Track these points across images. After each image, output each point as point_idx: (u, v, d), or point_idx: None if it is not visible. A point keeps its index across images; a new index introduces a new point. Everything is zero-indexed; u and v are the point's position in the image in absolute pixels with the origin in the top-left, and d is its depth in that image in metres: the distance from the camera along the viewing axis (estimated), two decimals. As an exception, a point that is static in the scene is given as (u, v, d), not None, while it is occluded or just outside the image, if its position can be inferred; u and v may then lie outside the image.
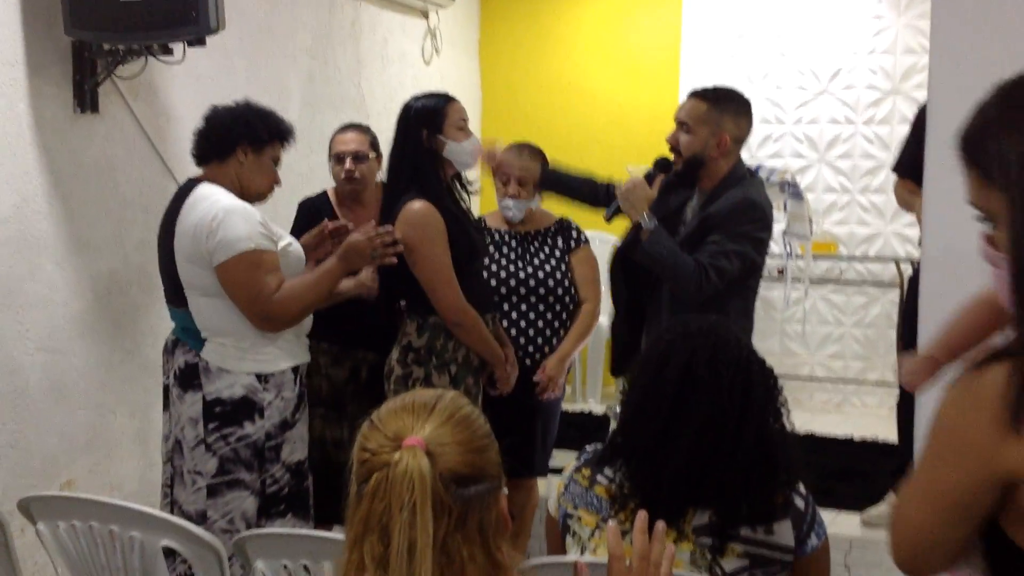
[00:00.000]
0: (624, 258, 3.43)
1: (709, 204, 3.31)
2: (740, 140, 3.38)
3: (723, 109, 3.33)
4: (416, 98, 3.34)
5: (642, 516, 1.64)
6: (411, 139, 3.25)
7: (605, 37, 6.21)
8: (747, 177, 3.38)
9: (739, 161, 3.39)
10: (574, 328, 3.83)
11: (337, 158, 3.77)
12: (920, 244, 3.97)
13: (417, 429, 1.39)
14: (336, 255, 3.11)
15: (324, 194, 3.85)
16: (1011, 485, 1.25)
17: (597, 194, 3.71)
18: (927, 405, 1.95)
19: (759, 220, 3.28)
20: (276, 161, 3.15)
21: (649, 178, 3.37)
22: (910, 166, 3.86)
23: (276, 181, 3.17)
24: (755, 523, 2.03)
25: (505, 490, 1.47)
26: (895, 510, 1.44)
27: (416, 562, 1.32)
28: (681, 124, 3.36)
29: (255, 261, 2.94)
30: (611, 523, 1.61)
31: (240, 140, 3.06)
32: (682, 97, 5.88)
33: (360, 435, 1.43)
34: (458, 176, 3.37)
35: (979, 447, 1.26)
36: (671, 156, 3.42)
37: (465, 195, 3.40)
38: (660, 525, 1.63)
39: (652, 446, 2.06)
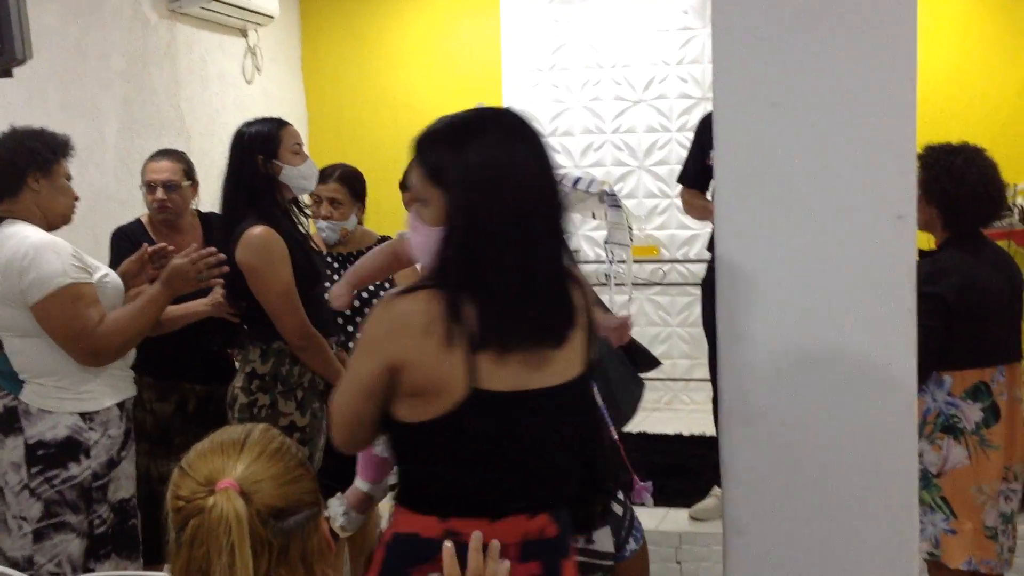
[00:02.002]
0: None
1: None
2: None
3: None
4: (249, 124, 3.33)
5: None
6: (247, 165, 3.25)
7: (429, 51, 6.27)
8: None
9: None
10: None
11: (149, 187, 3.69)
12: (709, 247, 4.22)
13: (229, 470, 1.40)
14: (160, 281, 3.06)
15: (138, 221, 3.76)
16: (398, 370, 1.77)
17: None
18: (730, 395, 2.08)
19: None
20: (68, 178, 3.06)
21: None
22: (695, 176, 4.11)
23: (75, 197, 3.09)
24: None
25: (326, 513, 1.50)
26: (332, 400, 1.92)
27: None
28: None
29: (73, 295, 2.87)
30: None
31: (27, 169, 2.95)
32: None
33: (172, 483, 1.44)
34: (295, 200, 3.39)
35: (383, 348, 1.78)
36: None
37: (303, 219, 3.42)
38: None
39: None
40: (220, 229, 3.36)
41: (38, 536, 2.89)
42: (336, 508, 2.44)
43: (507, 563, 1.68)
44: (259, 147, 3.25)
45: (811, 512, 2.04)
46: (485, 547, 1.68)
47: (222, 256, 3.11)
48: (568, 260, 1.89)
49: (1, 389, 2.94)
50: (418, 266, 2.24)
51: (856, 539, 2.02)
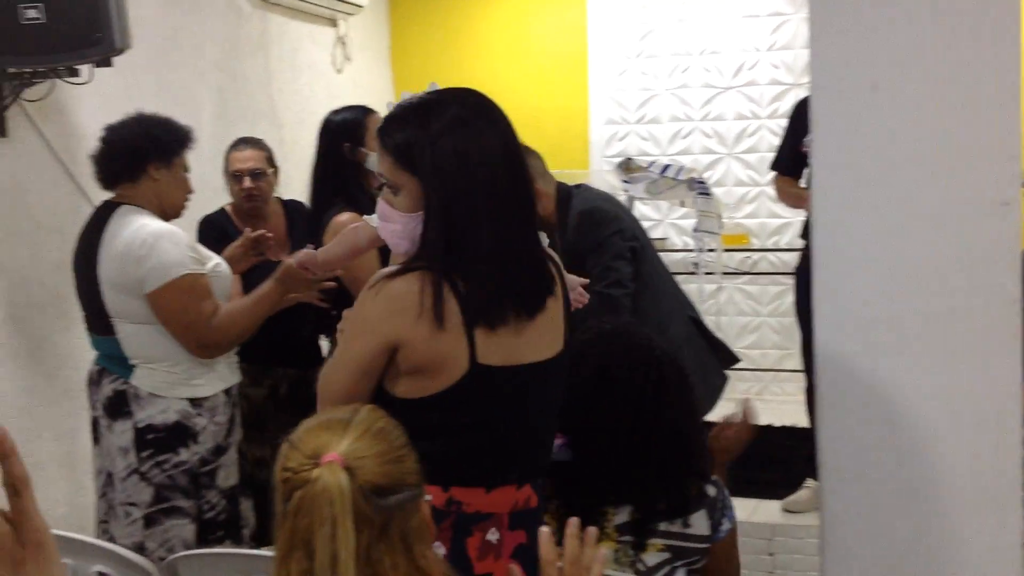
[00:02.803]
0: None
1: (564, 232, 3.41)
2: (542, 172, 3.45)
3: None
4: (335, 112, 3.36)
5: (573, 522, 1.68)
6: (333, 153, 3.28)
7: (515, 40, 6.27)
8: (571, 192, 3.46)
9: (556, 184, 3.48)
10: None
11: (235, 176, 3.70)
12: (803, 235, 4.14)
13: (334, 445, 1.43)
14: (274, 278, 3.04)
15: (223, 211, 3.78)
16: (395, 349, 1.83)
17: None
18: (828, 389, 2.04)
19: (601, 220, 3.37)
20: (186, 170, 3.08)
21: None
22: (788, 162, 4.03)
23: (190, 190, 3.12)
24: (673, 517, 2.10)
25: (428, 497, 1.52)
26: (322, 377, 1.96)
27: (339, 575, 1.36)
28: None
29: (188, 286, 2.88)
30: (543, 528, 1.66)
31: (149, 157, 2.96)
32: (592, 97, 6.07)
33: (280, 455, 1.47)
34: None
35: (379, 328, 1.84)
36: None
37: None
38: (592, 531, 1.68)
39: (570, 444, 2.11)
40: (308, 216, 3.39)
41: (148, 522, 2.90)
42: None
43: (604, 550, 1.67)
44: (345, 135, 3.27)
45: (910, 504, 1.99)
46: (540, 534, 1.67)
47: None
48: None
49: (111, 373, 2.96)
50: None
51: (957, 532, 1.97)
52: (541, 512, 1.96)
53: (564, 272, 2.06)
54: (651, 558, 2.10)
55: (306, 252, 2.81)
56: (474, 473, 1.89)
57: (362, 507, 1.40)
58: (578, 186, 3.54)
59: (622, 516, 2.11)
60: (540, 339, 1.92)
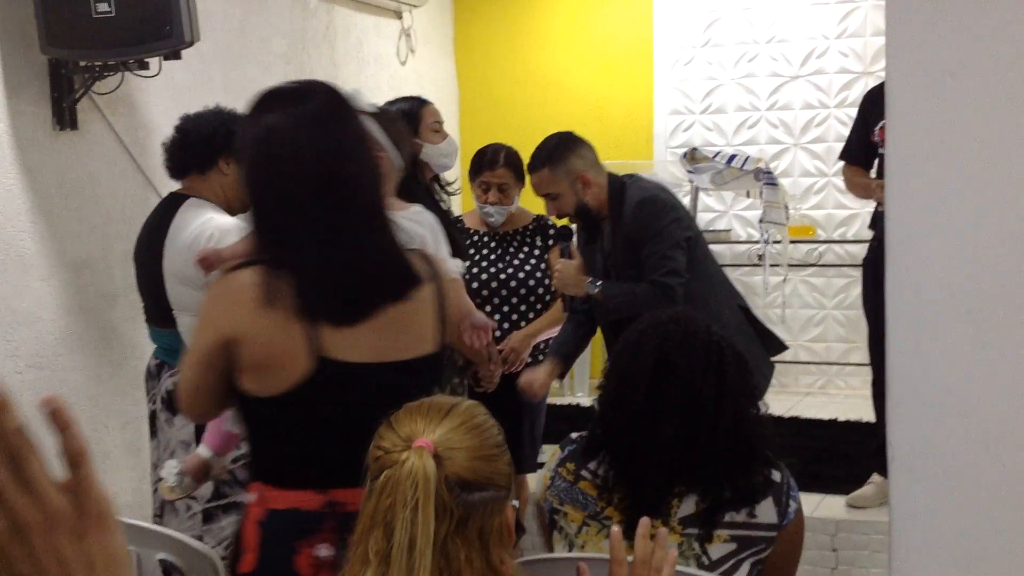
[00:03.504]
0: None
1: (617, 221, 3.38)
2: (594, 163, 3.44)
3: (559, 160, 3.39)
4: (390, 103, 3.36)
5: (644, 522, 1.66)
6: None
7: (579, 31, 6.24)
8: (624, 182, 3.44)
9: (608, 175, 3.45)
10: (547, 313, 3.83)
11: None
12: (871, 226, 4.07)
13: (428, 432, 1.45)
14: None
15: None
16: (235, 343, 1.82)
17: (590, 327, 3.69)
18: (899, 384, 2.00)
19: (663, 210, 3.34)
20: None
21: (565, 250, 3.50)
22: (858, 152, 3.96)
23: None
24: (739, 505, 2.06)
25: (515, 502, 1.51)
26: (180, 374, 2.02)
27: (415, 559, 1.37)
28: (546, 196, 3.44)
29: None
30: (614, 527, 1.64)
31: (221, 151, 2.95)
32: (657, 87, 6.03)
33: (377, 434, 1.50)
34: (436, 178, 3.40)
35: (217, 322, 1.85)
36: (567, 221, 3.54)
37: (445, 196, 3.43)
38: (663, 531, 1.67)
39: (631, 433, 2.08)
40: None
41: (207, 517, 2.92)
42: (171, 468, 2.42)
43: (674, 551, 1.65)
44: None
45: (985, 503, 1.95)
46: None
47: None
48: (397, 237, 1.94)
49: (171, 367, 2.97)
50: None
51: (1034, 533, 1.92)
52: None
53: (445, 278, 2.04)
54: (716, 550, 2.07)
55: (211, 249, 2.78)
56: (350, 473, 1.75)
57: (445, 497, 1.41)
58: (631, 176, 3.53)
59: (687, 508, 2.08)
60: (403, 337, 1.90)
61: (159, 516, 3.02)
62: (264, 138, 1.85)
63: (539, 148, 3.47)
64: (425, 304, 1.94)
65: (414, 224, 2.64)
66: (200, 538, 2.88)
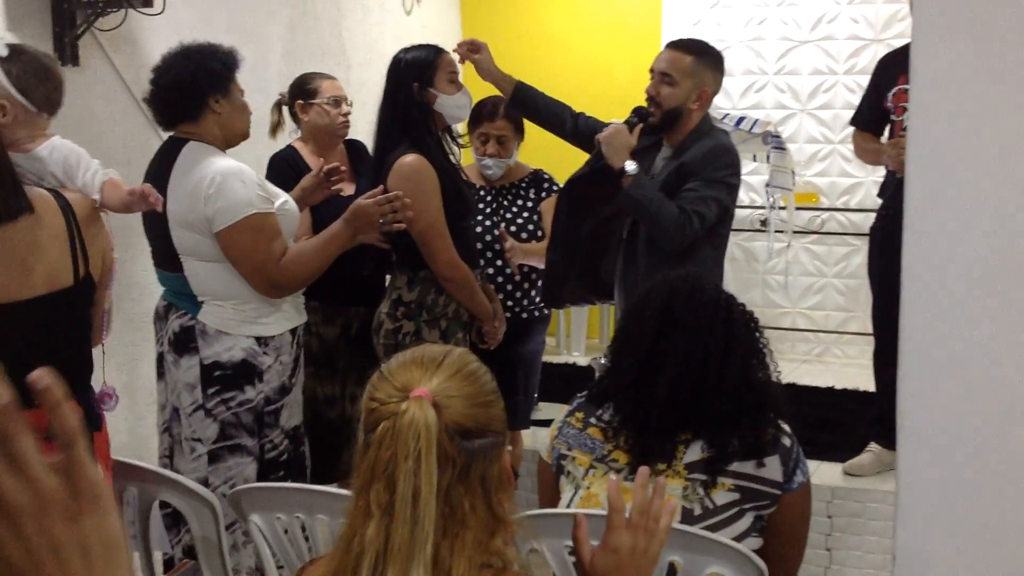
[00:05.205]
0: (571, 190, 3.44)
1: (680, 154, 3.32)
2: (716, 94, 3.41)
3: (706, 63, 3.34)
4: (406, 50, 3.30)
5: (643, 471, 1.66)
6: (402, 92, 3.22)
7: (587, -13, 6.16)
8: (715, 128, 3.41)
9: (707, 114, 3.41)
10: (543, 243, 3.73)
11: (335, 102, 3.59)
12: (880, 193, 4.04)
13: (425, 381, 1.42)
14: (343, 219, 3.00)
15: (291, 147, 3.68)
16: None
17: (563, 121, 3.63)
18: (911, 352, 1.98)
19: (732, 166, 3.32)
20: (242, 92, 3.00)
21: (628, 126, 3.34)
22: (869, 117, 3.92)
23: (250, 111, 3.04)
24: (746, 457, 2.10)
25: (509, 447, 1.50)
26: None
27: (420, 509, 1.35)
28: (663, 75, 3.34)
29: (257, 226, 2.86)
30: (612, 476, 1.64)
31: (208, 91, 2.88)
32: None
33: (369, 385, 1.47)
34: (448, 130, 3.36)
35: None
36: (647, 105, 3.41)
37: (455, 149, 3.39)
38: (662, 480, 1.67)
39: (636, 377, 2.14)
40: (372, 156, 3.35)
41: (213, 458, 2.92)
42: None
43: (673, 501, 1.65)
44: (415, 74, 3.21)
45: (995, 473, 1.93)
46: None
47: (407, 200, 3.01)
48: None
49: (179, 309, 2.96)
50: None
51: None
52: None
53: (83, 213, 2.24)
54: (720, 497, 2.10)
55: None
56: None
57: (446, 445, 1.39)
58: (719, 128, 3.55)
59: (693, 454, 2.11)
60: (35, 273, 2.02)
61: (167, 456, 3.02)
62: None
63: (697, 40, 3.45)
64: (53, 240, 2.08)
65: (40, 162, 2.58)
66: (205, 479, 2.90)
